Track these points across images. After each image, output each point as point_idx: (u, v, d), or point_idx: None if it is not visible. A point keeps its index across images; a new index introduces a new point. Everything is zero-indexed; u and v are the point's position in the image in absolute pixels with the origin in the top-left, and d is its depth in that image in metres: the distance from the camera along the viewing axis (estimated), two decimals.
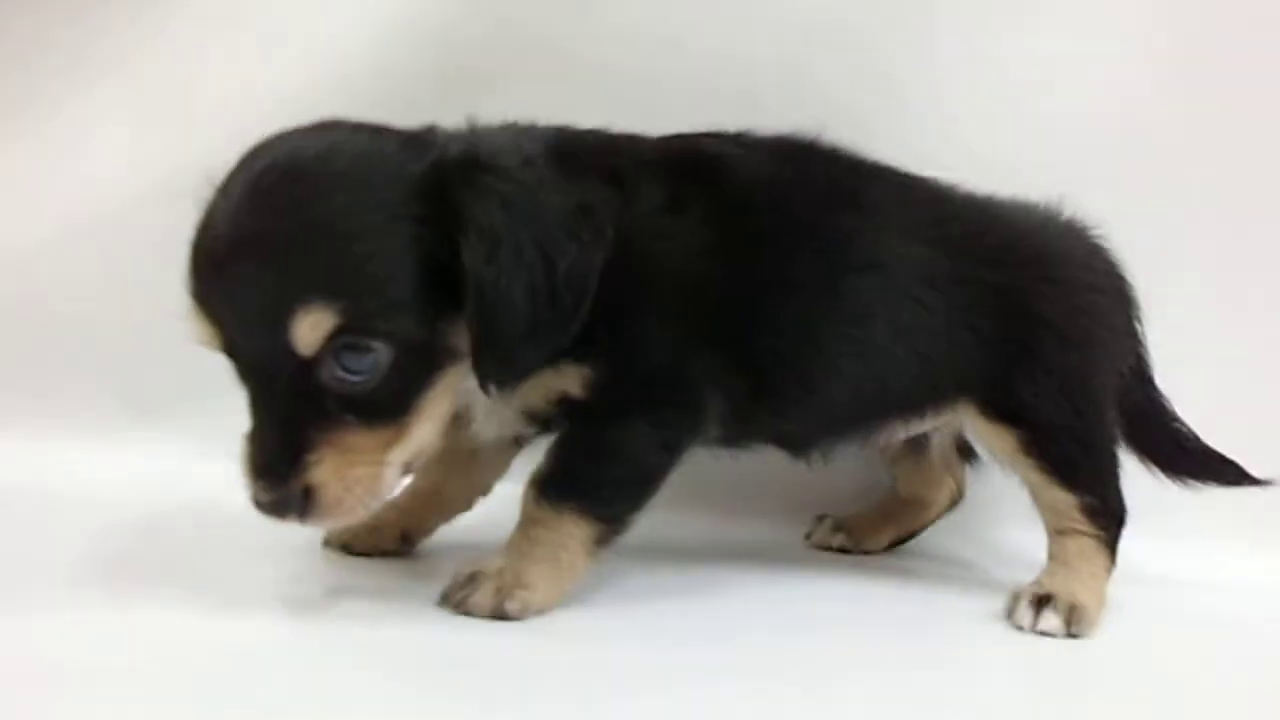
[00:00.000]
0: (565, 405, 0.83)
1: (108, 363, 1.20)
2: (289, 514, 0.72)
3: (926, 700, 0.74)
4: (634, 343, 0.82)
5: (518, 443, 0.95)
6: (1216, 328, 1.17)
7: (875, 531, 1.14)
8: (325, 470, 0.71)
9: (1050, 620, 0.88)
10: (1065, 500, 0.95)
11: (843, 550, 1.13)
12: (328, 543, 0.95)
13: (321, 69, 1.17)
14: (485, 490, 0.98)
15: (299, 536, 0.90)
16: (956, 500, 1.15)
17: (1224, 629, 0.98)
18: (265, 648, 0.71)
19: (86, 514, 0.98)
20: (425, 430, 0.77)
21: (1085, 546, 0.94)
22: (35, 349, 1.20)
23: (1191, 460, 1.06)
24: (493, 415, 0.86)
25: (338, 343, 0.70)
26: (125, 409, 1.20)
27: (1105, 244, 1.03)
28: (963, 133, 1.15)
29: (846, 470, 1.16)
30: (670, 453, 0.85)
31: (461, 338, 0.75)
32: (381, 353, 0.71)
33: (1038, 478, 0.96)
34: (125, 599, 0.77)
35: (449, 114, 0.90)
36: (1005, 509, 1.12)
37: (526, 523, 0.83)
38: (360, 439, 0.73)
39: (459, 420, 0.87)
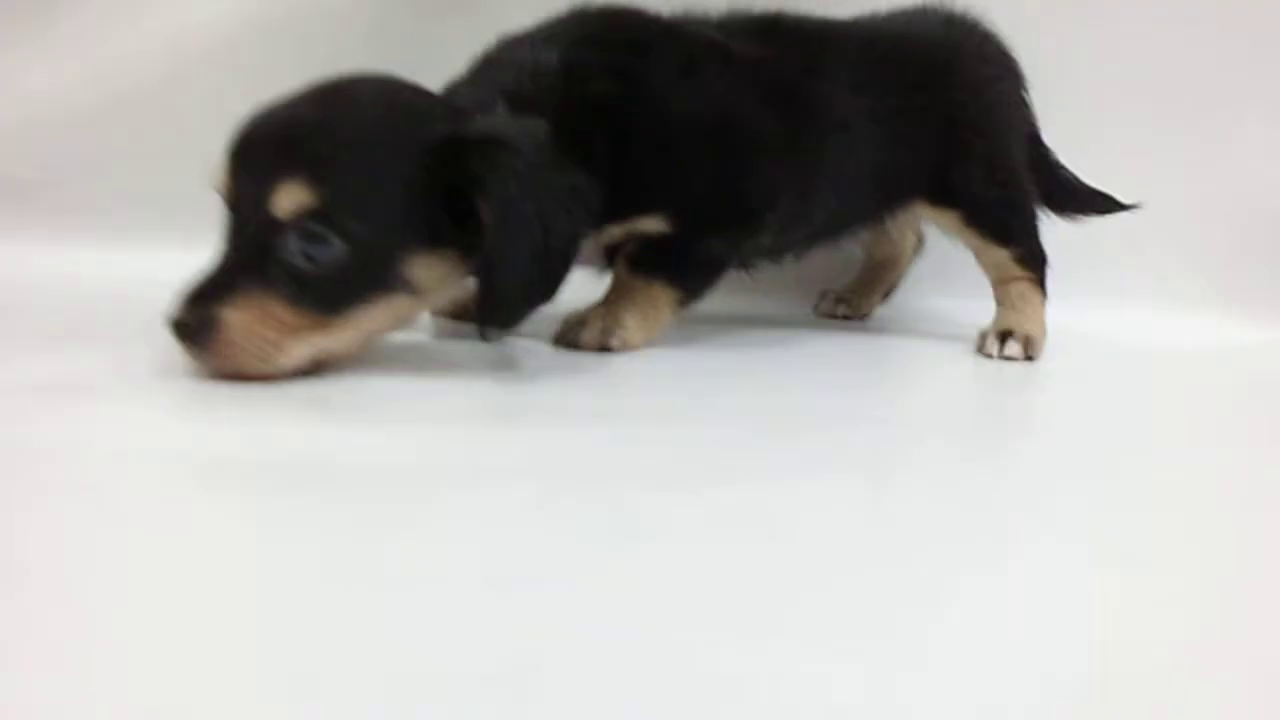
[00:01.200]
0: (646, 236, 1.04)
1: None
2: (188, 338, 0.80)
3: (934, 402, 1.02)
4: (696, 183, 1.02)
5: None
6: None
7: (867, 295, 1.39)
8: (237, 315, 0.80)
9: (1013, 348, 1.16)
10: (1003, 255, 1.21)
11: (845, 317, 1.39)
12: (443, 313, 1.17)
13: None
14: None
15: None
16: (919, 248, 1.41)
17: (1138, 355, 1.28)
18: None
19: None
20: (347, 337, 0.86)
21: (1024, 289, 1.21)
22: (148, 169, 1.38)
23: (1077, 198, 1.30)
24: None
25: (306, 222, 0.81)
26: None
27: (991, 31, 1.24)
28: None
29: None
30: (735, 249, 1.09)
31: (422, 274, 0.87)
32: (338, 249, 0.82)
33: (979, 242, 1.21)
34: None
35: None
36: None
37: (621, 286, 1.06)
38: (283, 312, 0.81)
39: None
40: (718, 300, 1.27)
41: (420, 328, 1.11)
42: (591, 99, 0.98)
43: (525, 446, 0.73)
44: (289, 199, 0.81)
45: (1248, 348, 1.35)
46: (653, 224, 1.03)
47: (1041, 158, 1.29)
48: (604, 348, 1.03)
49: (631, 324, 1.04)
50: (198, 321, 0.80)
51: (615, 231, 1.03)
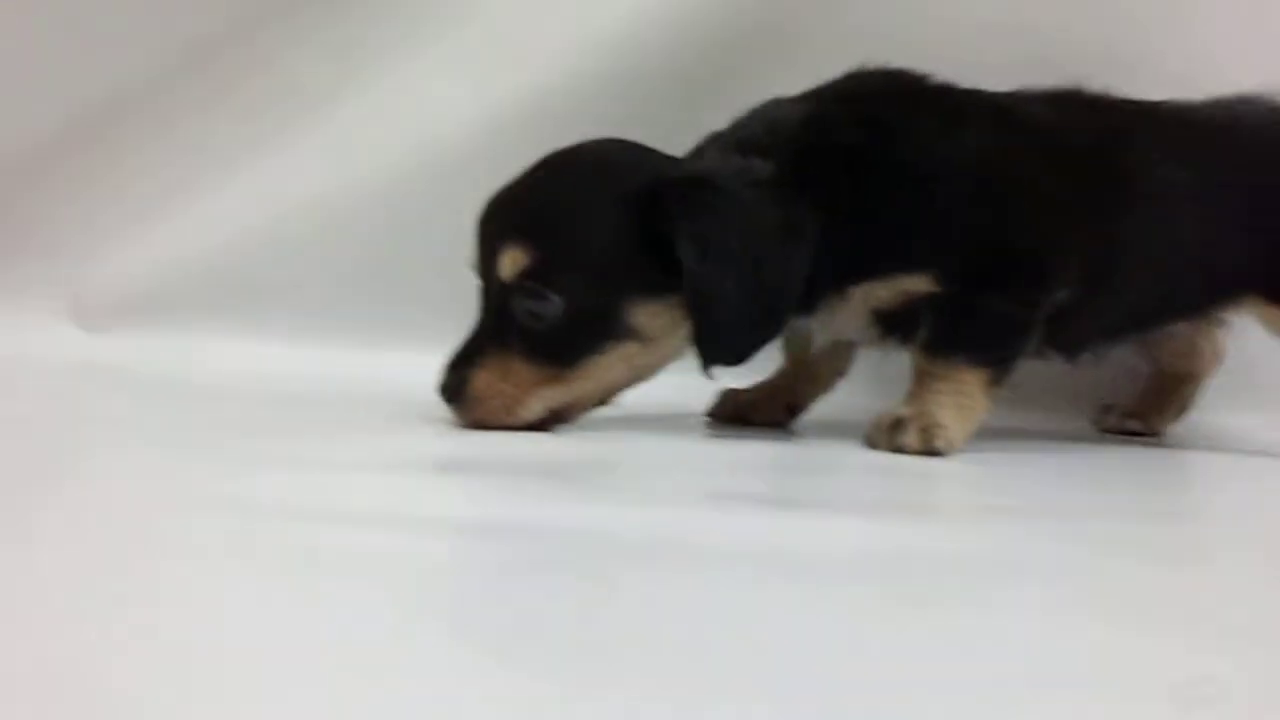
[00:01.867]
0: (917, 301, 0.95)
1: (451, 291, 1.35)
2: (448, 398, 0.90)
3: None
4: (957, 237, 0.94)
5: None
6: None
7: (1159, 410, 1.26)
8: (481, 376, 0.88)
9: None
10: None
11: (1135, 433, 1.25)
12: (719, 416, 1.09)
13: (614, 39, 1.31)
14: (843, 372, 1.11)
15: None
16: (1218, 362, 1.25)
17: None
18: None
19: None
20: (585, 387, 0.90)
21: None
22: (393, 273, 1.35)
23: None
24: (844, 321, 0.98)
25: (527, 282, 0.87)
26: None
27: None
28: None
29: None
30: (1031, 308, 0.97)
31: (646, 321, 0.89)
32: (556, 305, 0.87)
33: None
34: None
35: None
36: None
37: (925, 378, 0.96)
38: (520, 367, 0.88)
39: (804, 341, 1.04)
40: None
41: (694, 430, 1.04)
42: (836, 148, 0.94)
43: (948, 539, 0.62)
44: (510, 262, 0.88)
45: None
46: (918, 283, 0.94)
47: None
48: (930, 452, 0.92)
49: (950, 421, 0.93)
50: (454, 383, 0.89)
51: (881, 293, 0.95)
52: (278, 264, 1.34)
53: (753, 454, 0.92)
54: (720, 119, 1.03)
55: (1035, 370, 1.17)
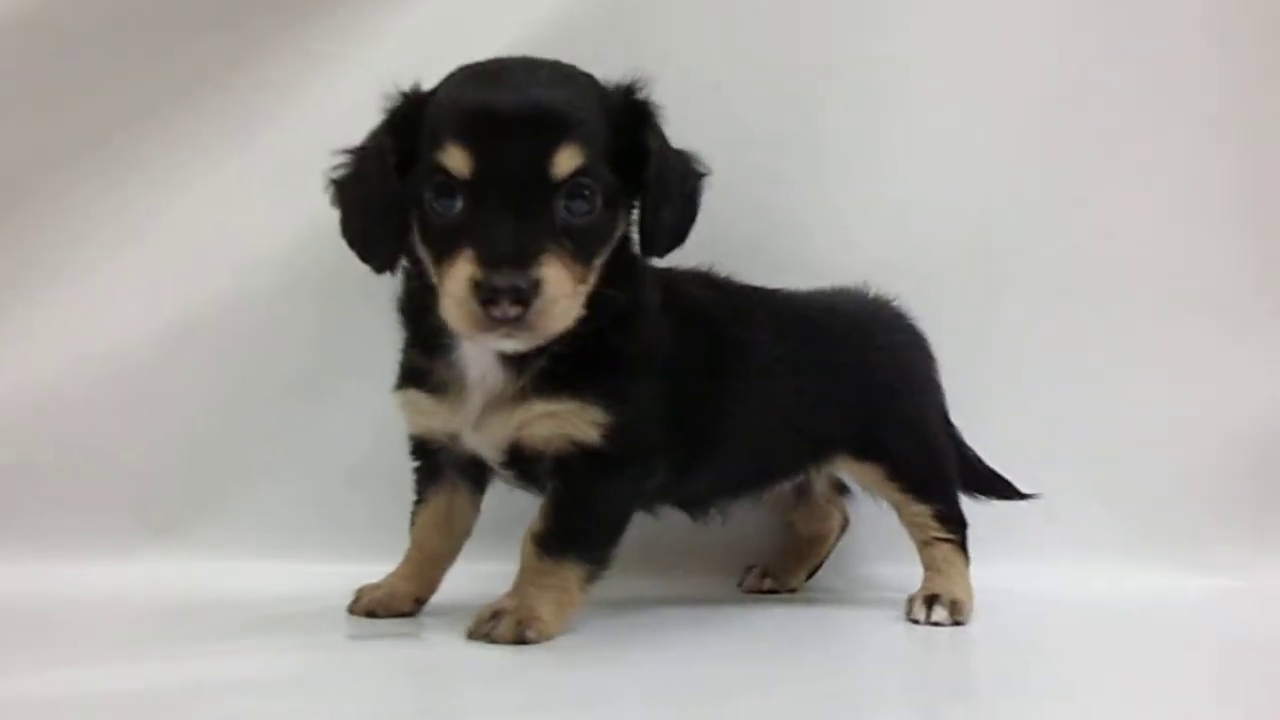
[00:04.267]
0: (559, 457, 1.02)
1: (126, 487, 1.36)
2: (513, 303, 0.88)
3: (865, 673, 1.00)
4: (639, 400, 1.04)
5: (481, 489, 1.16)
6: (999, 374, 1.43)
7: (794, 570, 1.37)
8: (553, 271, 0.90)
9: (940, 613, 1.15)
10: (923, 511, 1.23)
11: (772, 591, 1.36)
12: (355, 611, 1.14)
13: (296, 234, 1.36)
14: (467, 534, 1.17)
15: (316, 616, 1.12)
16: (845, 526, 1.40)
17: (1063, 610, 1.26)
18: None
19: (117, 623, 1.14)
20: (587, 287, 0.95)
21: (947, 552, 1.22)
22: (60, 476, 1.35)
23: (979, 478, 1.32)
24: (496, 427, 1.04)
25: (575, 180, 0.93)
26: (143, 528, 1.36)
27: (905, 312, 1.30)
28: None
29: (749, 526, 1.40)
30: (637, 502, 1.09)
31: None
32: (597, 199, 0.94)
33: (900, 497, 1.24)
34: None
35: None
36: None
37: (530, 572, 1.04)
38: (567, 265, 0.92)
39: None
40: (641, 582, 1.26)
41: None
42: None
43: None
44: (567, 160, 0.94)
45: (1167, 597, 1.34)
46: (587, 424, 1.01)
47: (949, 436, 1.32)
48: (521, 640, 0.99)
49: (546, 614, 1.01)
50: (524, 283, 0.89)
51: (544, 425, 1.02)
52: None
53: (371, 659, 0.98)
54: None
55: (681, 536, 1.29)
